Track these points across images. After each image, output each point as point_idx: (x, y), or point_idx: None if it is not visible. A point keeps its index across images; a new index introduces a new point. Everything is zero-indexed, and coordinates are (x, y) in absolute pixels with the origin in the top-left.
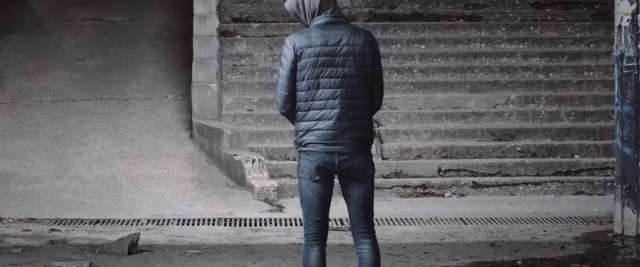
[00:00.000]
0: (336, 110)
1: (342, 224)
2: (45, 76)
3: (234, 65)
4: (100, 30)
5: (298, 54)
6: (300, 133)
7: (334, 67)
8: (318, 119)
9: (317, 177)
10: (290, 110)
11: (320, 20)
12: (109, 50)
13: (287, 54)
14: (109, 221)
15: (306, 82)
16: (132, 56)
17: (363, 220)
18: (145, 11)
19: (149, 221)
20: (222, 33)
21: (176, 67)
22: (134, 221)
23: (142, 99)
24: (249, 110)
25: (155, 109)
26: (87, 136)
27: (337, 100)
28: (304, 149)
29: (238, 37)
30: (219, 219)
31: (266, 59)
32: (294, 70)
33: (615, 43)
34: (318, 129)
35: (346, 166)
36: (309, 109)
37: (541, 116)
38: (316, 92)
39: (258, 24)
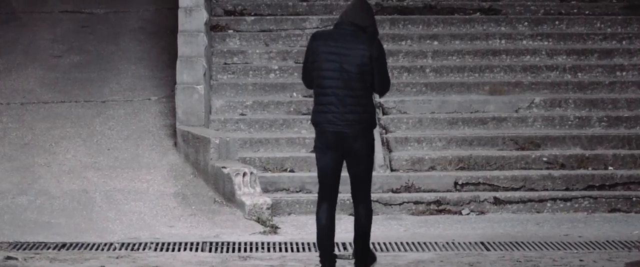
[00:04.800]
0: (337, 97)
1: (345, 249)
2: (15, 75)
3: (225, 63)
4: (79, 23)
5: (315, 48)
6: (313, 114)
7: (337, 63)
8: (324, 103)
9: (326, 152)
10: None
11: (340, 26)
12: (88, 46)
13: (309, 47)
14: (76, 245)
15: (318, 72)
16: (114, 53)
17: (359, 189)
18: (129, 3)
19: (122, 245)
20: (213, 27)
21: (161, 66)
22: (105, 245)
23: (122, 101)
24: (241, 114)
25: (136, 113)
26: (58, 143)
27: (338, 89)
28: (316, 128)
29: (230, 32)
30: (203, 243)
31: (261, 56)
32: (313, 61)
33: None
34: (323, 112)
35: (348, 146)
36: (318, 95)
37: (569, 122)
38: (324, 81)
39: (253, 17)
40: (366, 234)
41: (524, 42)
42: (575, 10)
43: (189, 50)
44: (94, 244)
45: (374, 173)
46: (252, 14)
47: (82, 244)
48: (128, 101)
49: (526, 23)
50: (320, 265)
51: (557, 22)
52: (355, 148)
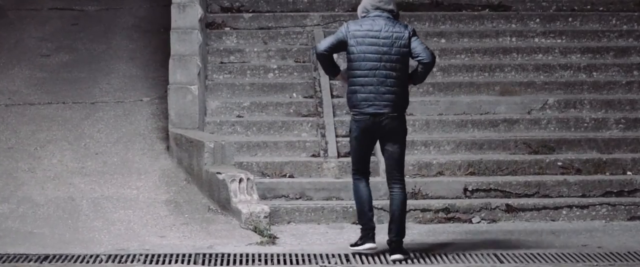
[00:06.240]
0: (376, 79)
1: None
2: (1, 75)
3: (222, 62)
4: (69, 21)
5: (348, 35)
6: (350, 94)
7: (377, 46)
8: (363, 84)
9: (363, 138)
10: (327, 59)
11: (371, 14)
12: (78, 44)
13: (340, 33)
14: (60, 257)
15: (356, 55)
16: (105, 52)
17: (395, 170)
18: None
19: (109, 257)
20: (209, 25)
21: (155, 65)
22: (91, 256)
23: (112, 102)
24: (238, 116)
25: (127, 115)
26: (44, 147)
27: (377, 71)
28: (353, 111)
29: (227, 29)
30: (196, 254)
31: (260, 55)
32: (338, 45)
33: None
34: (362, 93)
35: (385, 127)
36: (356, 77)
37: (585, 124)
38: (362, 63)
39: (251, 14)
40: (402, 215)
41: (536, 39)
42: (588, 7)
43: (183, 49)
44: (79, 256)
45: (378, 178)
46: (250, 10)
47: (67, 256)
48: (118, 102)
49: (538, 20)
50: (361, 240)
51: (570, 19)
52: (392, 127)
